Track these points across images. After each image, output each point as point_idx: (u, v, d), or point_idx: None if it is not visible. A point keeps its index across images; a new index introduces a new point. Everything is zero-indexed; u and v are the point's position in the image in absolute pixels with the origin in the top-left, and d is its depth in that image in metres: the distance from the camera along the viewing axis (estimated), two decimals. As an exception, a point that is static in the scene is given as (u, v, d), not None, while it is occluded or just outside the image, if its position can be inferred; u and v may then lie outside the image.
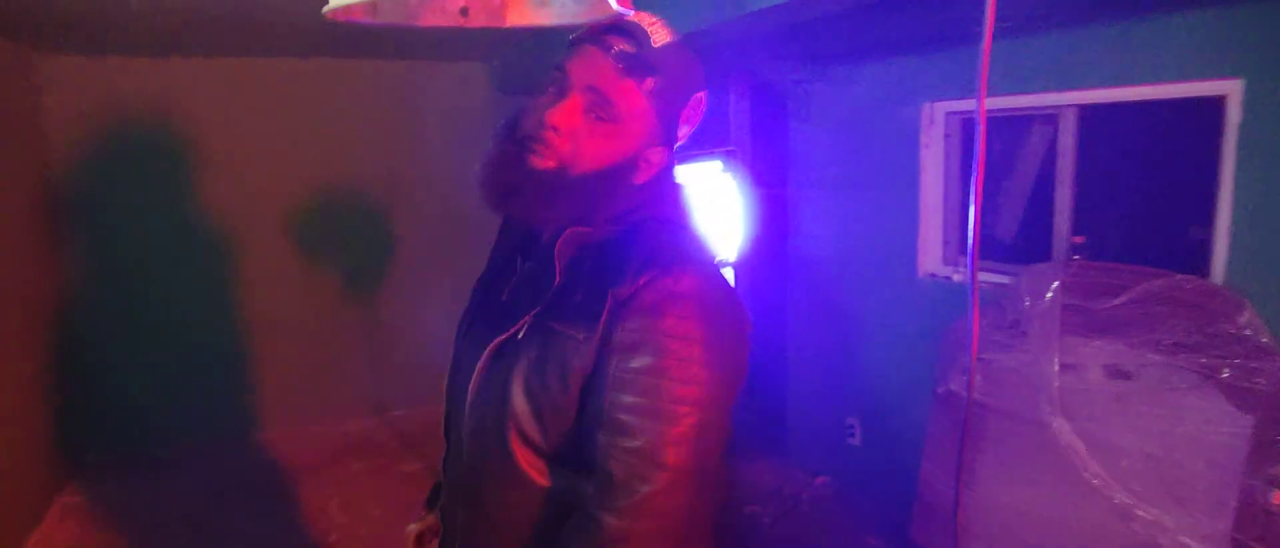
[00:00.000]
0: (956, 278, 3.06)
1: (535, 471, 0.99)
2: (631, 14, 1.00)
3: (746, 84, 3.66)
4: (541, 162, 0.98)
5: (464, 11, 1.01)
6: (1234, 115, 2.09)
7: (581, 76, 0.98)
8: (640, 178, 1.02)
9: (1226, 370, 2.05)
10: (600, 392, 0.92)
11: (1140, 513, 2.22)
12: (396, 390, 4.56)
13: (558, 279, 0.99)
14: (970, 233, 1.18)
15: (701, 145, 1.22)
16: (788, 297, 3.85)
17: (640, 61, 0.97)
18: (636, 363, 0.90)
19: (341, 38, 3.56)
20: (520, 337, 0.99)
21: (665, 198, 1.06)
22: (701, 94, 1.04)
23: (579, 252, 1.00)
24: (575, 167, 0.98)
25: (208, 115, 4.00)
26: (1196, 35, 2.14)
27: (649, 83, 0.99)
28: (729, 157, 1.27)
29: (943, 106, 3.05)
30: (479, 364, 1.02)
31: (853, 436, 3.62)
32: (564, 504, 0.98)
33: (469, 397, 1.04)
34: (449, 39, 3.66)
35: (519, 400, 0.97)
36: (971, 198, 1.12)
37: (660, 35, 0.99)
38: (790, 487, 3.69)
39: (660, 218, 1.02)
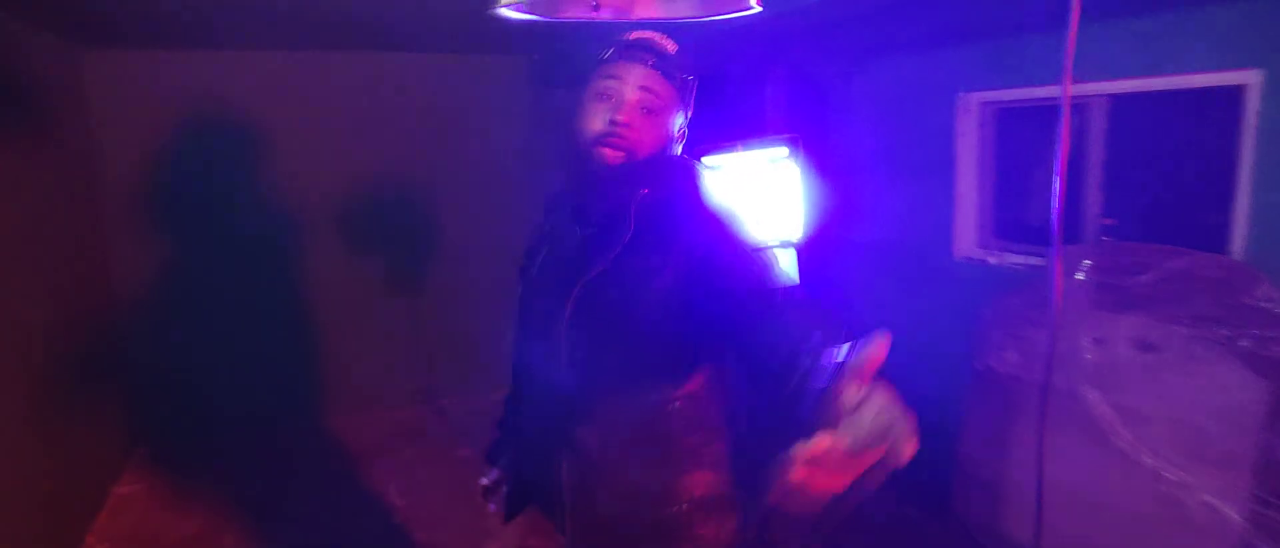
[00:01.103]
0: (991, 260, 3.22)
1: (648, 372, 1.25)
2: (649, 37, 1.32)
3: (784, 76, 3.83)
4: (616, 153, 1.25)
5: (596, 6, 1.26)
6: (1253, 104, 2.24)
7: (633, 81, 1.27)
8: (675, 150, 1.34)
9: (1245, 340, 2.20)
10: (716, 296, 1.18)
11: (1167, 475, 2.38)
12: (445, 380, 4.62)
13: (631, 230, 1.25)
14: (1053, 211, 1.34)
15: (747, 134, 1.37)
16: (822, 280, 4.01)
17: (669, 64, 1.29)
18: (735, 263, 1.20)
19: (385, 31, 3.61)
20: (607, 273, 1.24)
21: (686, 163, 1.36)
22: (694, 79, 1.36)
23: (644, 209, 1.28)
24: (638, 152, 1.27)
25: (255, 108, 4.03)
26: (1218, 28, 2.28)
27: (676, 79, 1.30)
28: (793, 143, 1.45)
29: (977, 97, 3.20)
30: (569, 302, 1.26)
31: (893, 413, 3.78)
32: (669, 394, 1.26)
33: (565, 333, 1.27)
34: (491, 34, 3.73)
35: (604, 326, 1.25)
36: (1055, 178, 1.28)
37: (670, 46, 1.32)
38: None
39: (688, 174, 1.33)
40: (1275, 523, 2.16)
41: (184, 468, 3.79)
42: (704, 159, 1.51)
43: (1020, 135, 3.12)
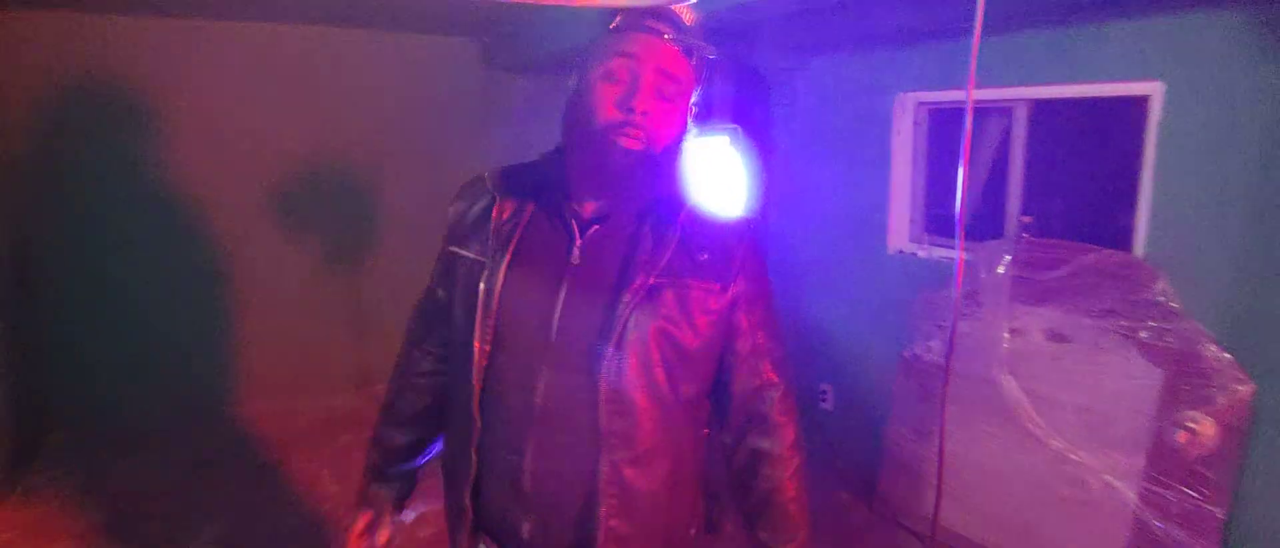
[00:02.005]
0: (922, 254, 3.37)
1: (660, 400, 1.15)
2: (666, 4, 1.18)
3: (731, 70, 3.91)
4: (634, 143, 1.10)
5: None
6: (1156, 113, 2.41)
7: (650, 61, 1.11)
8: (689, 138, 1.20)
9: (1144, 332, 2.38)
10: (744, 330, 1.21)
11: (1072, 457, 2.56)
12: (381, 365, 4.49)
13: (676, 243, 1.15)
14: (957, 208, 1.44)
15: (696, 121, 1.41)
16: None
17: (690, 41, 1.14)
18: (762, 305, 1.24)
19: (329, 3, 3.50)
20: (646, 290, 1.12)
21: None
22: (715, 55, 1.22)
23: (678, 218, 1.18)
24: (656, 145, 1.13)
25: (182, 80, 3.84)
26: (1125, 41, 2.45)
27: (697, 60, 1.16)
28: (735, 132, 1.49)
29: (913, 97, 3.33)
30: (599, 318, 1.11)
31: (825, 400, 3.92)
32: (683, 421, 1.20)
33: (575, 344, 1.13)
34: (442, 13, 3.62)
35: (654, 344, 1.12)
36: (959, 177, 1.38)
37: (690, 16, 1.17)
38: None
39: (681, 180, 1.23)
40: (1165, 501, 2.35)
41: (98, 457, 3.63)
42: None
43: (953, 134, 3.27)
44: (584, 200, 1.18)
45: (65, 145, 3.70)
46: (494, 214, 1.19)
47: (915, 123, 3.38)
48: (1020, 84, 2.82)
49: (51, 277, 3.78)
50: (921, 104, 3.35)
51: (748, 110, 3.91)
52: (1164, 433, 2.33)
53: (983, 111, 3.13)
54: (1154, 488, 2.36)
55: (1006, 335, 2.76)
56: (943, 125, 3.33)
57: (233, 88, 3.99)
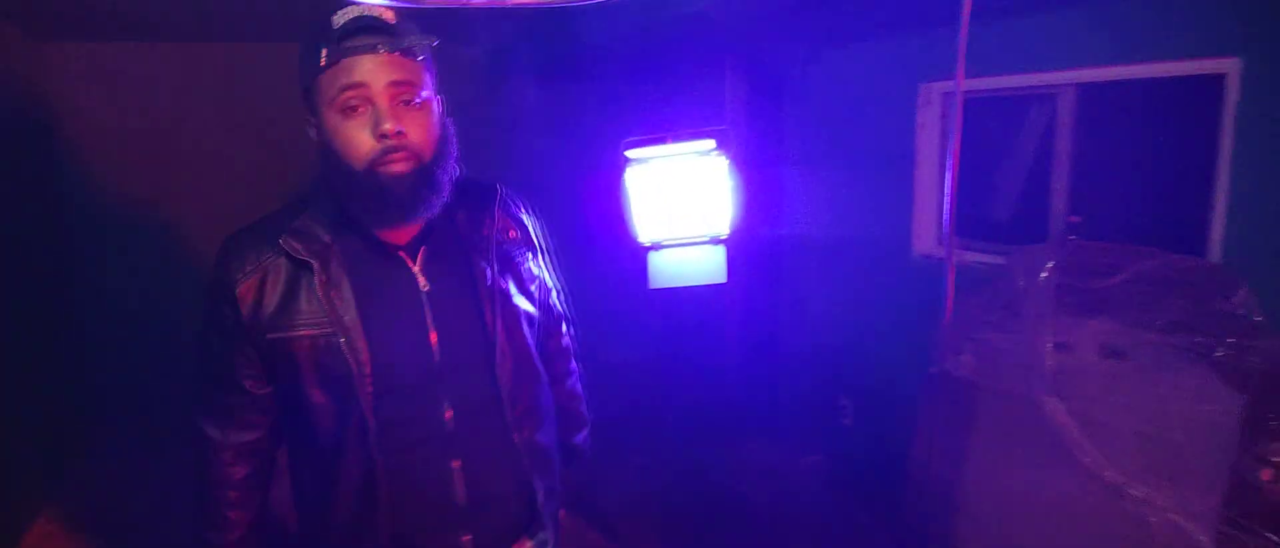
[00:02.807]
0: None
1: (535, 367, 1.33)
2: (362, 11, 1.09)
3: (742, 65, 3.64)
4: (403, 166, 1.09)
5: None
6: (1233, 95, 2.09)
7: (379, 80, 1.08)
8: (449, 133, 1.20)
9: (1220, 350, 2.05)
10: (547, 287, 1.40)
11: (1131, 491, 2.23)
12: None
13: (494, 230, 1.27)
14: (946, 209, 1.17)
15: (692, 125, 1.25)
16: (780, 277, 3.85)
17: (404, 42, 1.09)
18: (547, 250, 1.38)
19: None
20: (497, 287, 1.24)
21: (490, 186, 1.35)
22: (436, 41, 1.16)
23: (490, 203, 1.30)
24: (425, 153, 1.12)
25: (185, 102, 3.95)
26: (1196, 13, 2.13)
27: (421, 52, 1.13)
28: (722, 136, 1.32)
29: (939, 87, 3.04)
30: (472, 327, 1.22)
31: (845, 416, 3.64)
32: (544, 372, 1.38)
33: (493, 345, 1.24)
34: (449, 24, 3.60)
35: (519, 326, 1.28)
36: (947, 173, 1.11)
37: (389, 15, 1.10)
38: (782, 467, 3.71)
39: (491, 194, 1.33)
40: (1243, 546, 2.03)
41: (139, 454, 3.70)
42: (629, 152, 1.38)
43: (983, 127, 2.96)
44: (393, 232, 1.18)
45: (74, 173, 3.83)
46: (316, 278, 1.14)
47: (942, 115, 3.08)
48: (1066, 67, 2.50)
49: (91, 279, 3.91)
50: (948, 94, 3.05)
51: (756, 108, 3.63)
52: (1244, 468, 2.01)
53: (1021, 100, 2.82)
54: (1231, 531, 2.05)
55: (1051, 351, 2.45)
56: (973, 117, 3.02)
57: (245, 107, 4.05)
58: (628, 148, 1.44)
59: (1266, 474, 1.95)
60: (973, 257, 2.98)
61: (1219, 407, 2.05)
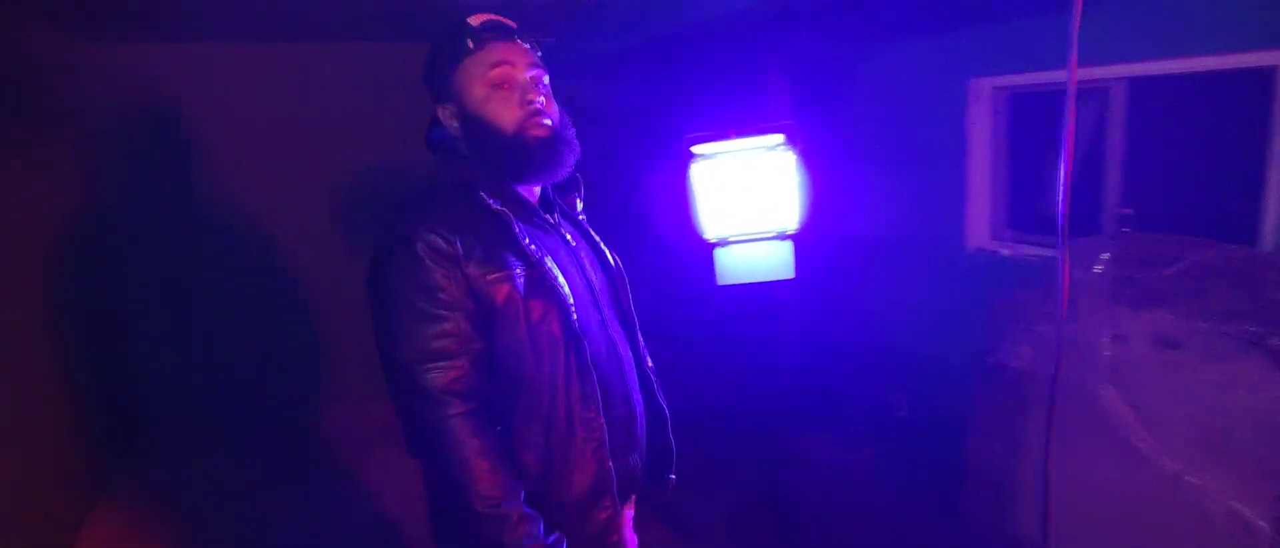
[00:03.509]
0: (1005, 252, 3.10)
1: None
2: (493, 15, 1.32)
3: (787, 63, 3.72)
4: (544, 131, 1.28)
5: None
6: (1284, 86, 2.11)
7: (520, 62, 1.29)
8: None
9: (1275, 338, 2.08)
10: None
11: (1189, 479, 2.26)
12: None
13: (575, 212, 1.50)
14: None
15: (739, 125, 1.31)
16: (834, 274, 3.91)
17: (528, 36, 1.32)
18: None
19: (371, 20, 3.56)
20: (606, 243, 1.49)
21: None
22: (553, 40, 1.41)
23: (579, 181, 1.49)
24: (557, 124, 1.31)
25: (238, 103, 4.04)
26: (1245, 7, 2.16)
27: (540, 47, 1.34)
28: (789, 130, 1.39)
29: (990, 82, 3.08)
30: (608, 280, 1.46)
31: (900, 409, 3.69)
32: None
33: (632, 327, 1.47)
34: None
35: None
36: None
37: (510, 22, 1.32)
38: (839, 461, 3.77)
39: None
40: (1305, 531, 2.05)
41: (188, 461, 3.81)
42: (696, 148, 1.46)
43: (1035, 121, 3.00)
44: (529, 189, 1.36)
45: (129, 174, 3.94)
46: (515, 226, 1.27)
47: (994, 110, 3.12)
48: (1117, 62, 2.54)
49: (141, 291, 4.01)
50: (999, 89, 3.09)
51: (808, 107, 3.70)
52: (1302, 454, 2.03)
53: (1075, 94, 2.85)
54: (1290, 516, 2.07)
55: (1107, 342, 2.48)
56: (1024, 111, 3.06)
57: (286, 110, 4.17)
58: (693, 143, 1.48)
59: (1324, 460, 1.98)
60: (1027, 250, 3.02)
61: (1274, 394, 2.07)
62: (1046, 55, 2.75)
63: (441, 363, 1.19)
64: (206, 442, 4.05)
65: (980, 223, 3.19)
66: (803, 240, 1.39)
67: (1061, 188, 1.26)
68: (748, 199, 1.40)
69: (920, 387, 3.53)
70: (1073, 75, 1.24)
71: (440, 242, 1.19)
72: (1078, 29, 1.20)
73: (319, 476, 3.73)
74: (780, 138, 1.42)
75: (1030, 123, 3.03)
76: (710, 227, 1.44)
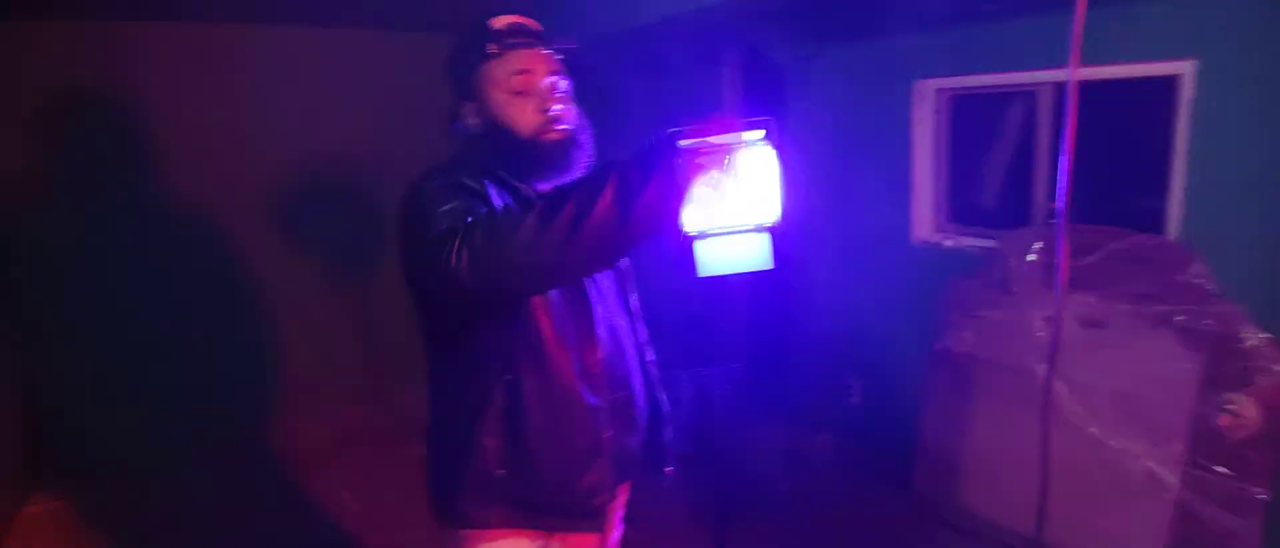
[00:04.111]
0: (948, 244, 3.34)
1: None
2: (517, 18, 1.38)
3: (741, 61, 3.89)
4: (560, 135, 1.36)
5: None
6: (1187, 93, 2.37)
7: (541, 70, 1.37)
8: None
9: (1181, 315, 2.34)
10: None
11: (1112, 443, 2.52)
12: (393, 375, 4.26)
13: None
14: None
15: (722, 121, 1.40)
16: (785, 267, 4.10)
17: (556, 45, 1.39)
18: None
19: (320, 3, 3.41)
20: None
21: None
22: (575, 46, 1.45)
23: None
24: (574, 130, 1.39)
25: (182, 89, 3.74)
26: (1156, 19, 2.41)
27: (563, 56, 1.41)
28: (769, 126, 1.44)
29: (933, 84, 3.30)
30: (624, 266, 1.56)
31: (853, 395, 3.89)
32: None
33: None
34: (442, 8, 3.51)
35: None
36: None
37: (536, 25, 1.38)
38: (796, 446, 3.94)
39: None
40: (1207, 485, 2.31)
41: (108, 475, 3.54)
42: (680, 141, 1.49)
43: (975, 121, 3.24)
44: (549, 183, 1.41)
45: (64, 160, 3.62)
46: (532, 199, 1.37)
47: (935, 110, 3.35)
48: (1045, 68, 2.78)
49: (57, 291, 3.67)
50: (941, 91, 3.32)
51: (763, 105, 3.89)
52: (1205, 417, 2.29)
53: (1006, 97, 3.10)
54: (1196, 472, 2.33)
55: (1040, 324, 2.73)
56: (965, 112, 3.29)
57: (235, 95, 3.87)
58: (678, 139, 1.58)
59: (1223, 421, 2.24)
60: (968, 241, 3.25)
61: (1182, 365, 2.34)
62: (985, 59, 2.99)
63: (474, 206, 1.25)
64: (130, 455, 3.67)
65: (924, 216, 3.42)
66: (773, 234, 1.47)
67: (1061, 180, 1.38)
68: (729, 193, 1.41)
69: (874, 373, 3.73)
70: (1074, 74, 1.34)
71: (473, 184, 1.30)
72: (1079, 34, 1.30)
73: (267, 489, 3.55)
74: (762, 133, 1.46)
75: (971, 122, 3.27)
76: (690, 219, 1.42)
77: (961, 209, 3.36)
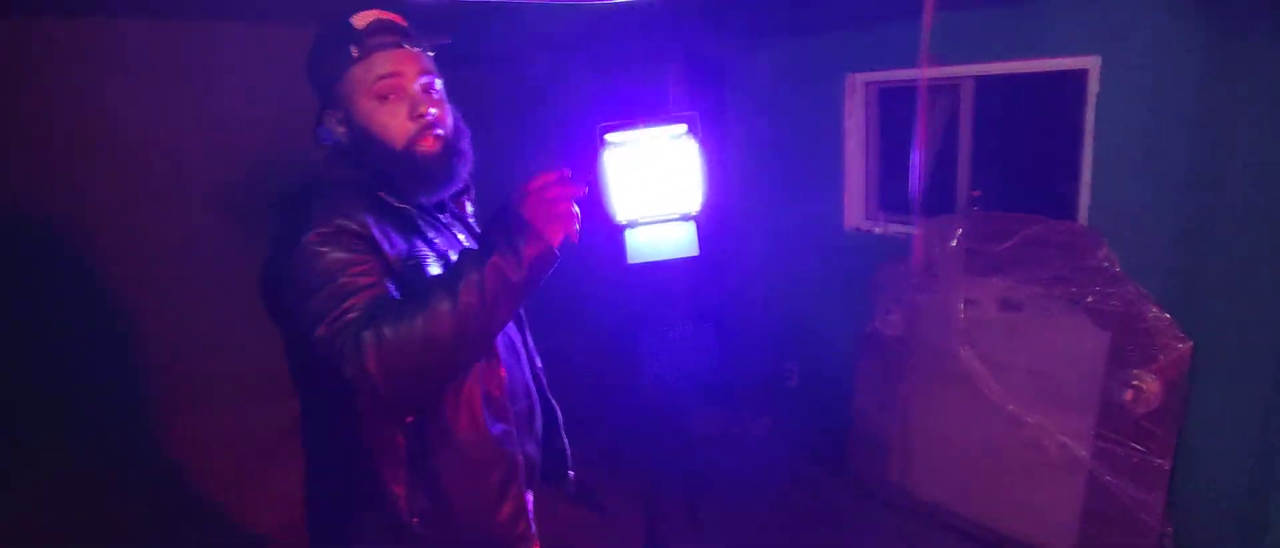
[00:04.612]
0: (878, 231, 3.45)
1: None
2: (381, 14, 1.25)
3: (684, 59, 3.95)
4: (436, 144, 1.24)
5: None
6: (1093, 86, 2.51)
7: (410, 70, 1.23)
8: None
9: (1090, 297, 2.48)
10: None
11: (1028, 420, 2.66)
12: None
13: (464, 213, 1.45)
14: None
15: (647, 115, 1.45)
16: (725, 256, 4.19)
17: (426, 41, 1.27)
18: None
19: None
20: None
21: None
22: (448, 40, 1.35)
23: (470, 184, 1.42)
24: (450, 134, 1.27)
25: (93, 83, 3.39)
26: (1065, 17, 2.54)
27: (433, 50, 1.28)
28: (692, 120, 1.52)
29: (862, 78, 3.40)
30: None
31: (791, 379, 3.99)
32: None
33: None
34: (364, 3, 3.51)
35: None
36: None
37: (401, 20, 1.25)
38: (736, 429, 4.03)
39: None
40: (1115, 457, 2.46)
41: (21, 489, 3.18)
42: (609, 136, 1.55)
43: (902, 114, 3.35)
44: (431, 199, 1.31)
45: None
46: (418, 219, 1.28)
47: (865, 103, 3.45)
48: (966, 62, 2.90)
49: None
50: (870, 84, 3.42)
51: (703, 99, 3.95)
52: (1111, 392, 2.44)
53: (931, 89, 3.21)
54: (1104, 445, 2.48)
55: (962, 307, 2.85)
56: (892, 104, 3.40)
57: (147, 89, 3.57)
58: (606, 131, 1.52)
59: (1128, 395, 2.38)
60: (896, 228, 3.37)
61: (1090, 344, 2.48)
62: (910, 54, 3.09)
63: (362, 293, 1.10)
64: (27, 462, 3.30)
65: (856, 204, 3.53)
66: (703, 223, 1.53)
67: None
68: (655, 183, 1.47)
69: (811, 357, 3.83)
70: (923, 75, 1.44)
71: (353, 225, 1.14)
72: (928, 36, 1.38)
73: (180, 498, 3.35)
74: (684, 127, 1.53)
75: (898, 114, 3.38)
76: (620, 209, 1.49)
77: (891, 198, 3.47)
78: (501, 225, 1.16)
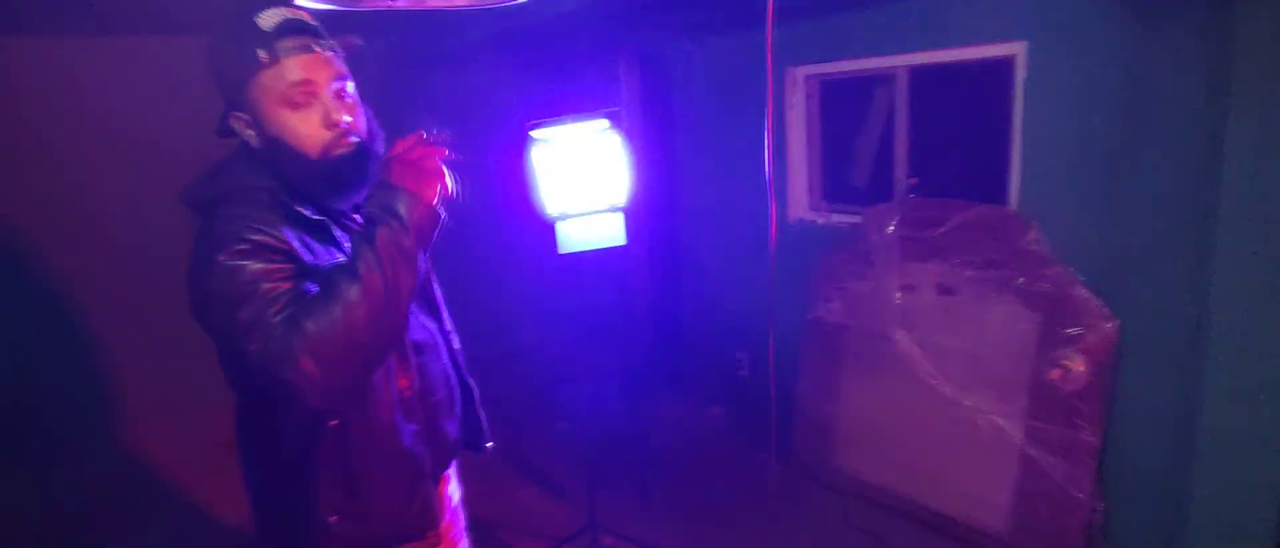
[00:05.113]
0: (820, 221, 3.49)
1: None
2: (289, 13, 1.20)
3: (634, 56, 3.95)
4: (352, 150, 1.23)
5: None
6: (1021, 72, 2.56)
7: (322, 76, 1.20)
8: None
9: (1021, 279, 2.54)
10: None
11: (964, 401, 2.72)
12: None
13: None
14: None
15: (585, 108, 1.47)
16: (678, 248, 4.21)
17: (336, 42, 1.24)
18: None
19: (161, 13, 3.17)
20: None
21: None
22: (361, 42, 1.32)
23: None
24: (364, 138, 1.26)
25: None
26: (992, 4, 2.59)
27: (342, 49, 1.26)
28: (614, 115, 1.57)
29: (803, 70, 3.44)
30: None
31: (742, 368, 4.03)
32: None
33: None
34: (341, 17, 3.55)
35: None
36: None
37: (310, 19, 1.21)
38: (688, 419, 4.07)
39: None
40: (1046, 435, 2.53)
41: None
42: (534, 132, 1.58)
43: (842, 105, 3.39)
44: (346, 203, 1.32)
45: None
46: (334, 230, 1.29)
47: (807, 95, 3.49)
48: (901, 52, 2.94)
49: None
50: (810, 77, 3.45)
51: (649, 91, 3.95)
52: (1041, 372, 2.50)
53: (868, 80, 3.26)
54: (1036, 424, 2.54)
55: (899, 292, 2.90)
56: (833, 97, 3.44)
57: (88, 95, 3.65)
58: (531, 128, 1.60)
59: (1057, 374, 2.45)
60: (838, 218, 3.41)
61: (1021, 325, 2.54)
62: (847, 45, 3.13)
63: (282, 298, 1.11)
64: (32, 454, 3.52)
65: (799, 195, 3.57)
66: (646, 216, 1.57)
67: (766, 162, 1.49)
68: (581, 177, 1.57)
69: (760, 346, 3.87)
70: (769, 71, 1.45)
71: (270, 240, 1.14)
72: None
73: (133, 502, 3.35)
74: (607, 122, 1.59)
75: (838, 106, 3.42)
76: (550, 203, 1.55)
77: (833, 188, 3.52)
78: (378, 199, 1.18)
